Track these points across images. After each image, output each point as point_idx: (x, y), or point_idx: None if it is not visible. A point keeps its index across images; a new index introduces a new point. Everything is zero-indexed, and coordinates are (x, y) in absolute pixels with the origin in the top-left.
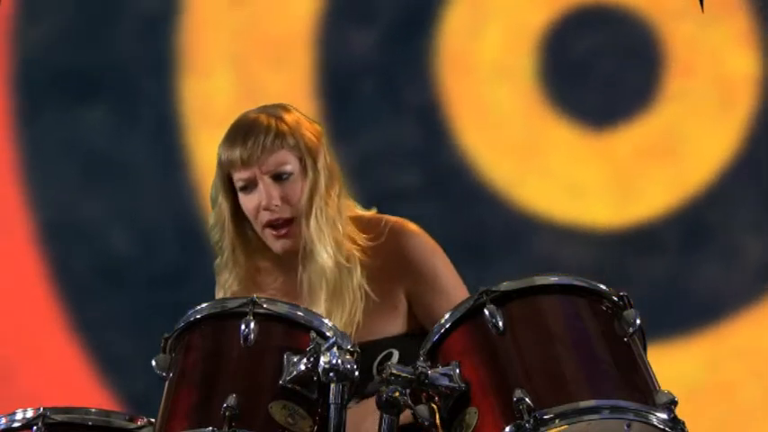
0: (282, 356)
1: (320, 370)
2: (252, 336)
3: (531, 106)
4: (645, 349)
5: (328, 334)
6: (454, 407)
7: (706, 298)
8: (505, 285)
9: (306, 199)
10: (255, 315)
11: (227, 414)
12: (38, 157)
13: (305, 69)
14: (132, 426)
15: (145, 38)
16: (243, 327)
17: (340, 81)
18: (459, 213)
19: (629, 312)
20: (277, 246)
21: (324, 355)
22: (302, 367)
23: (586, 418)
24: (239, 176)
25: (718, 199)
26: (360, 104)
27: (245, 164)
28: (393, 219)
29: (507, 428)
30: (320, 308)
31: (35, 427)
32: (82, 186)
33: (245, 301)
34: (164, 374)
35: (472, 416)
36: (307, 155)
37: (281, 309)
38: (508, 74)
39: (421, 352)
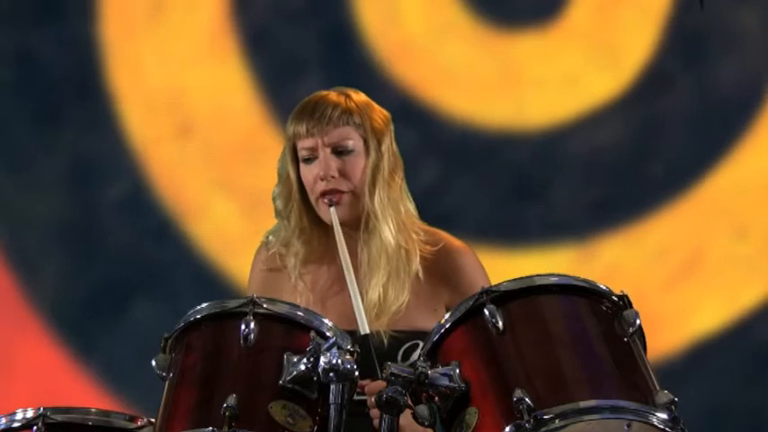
0: (282, 356)
1: (320, 370)
2: (252, 336)
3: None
4: (645, 349)
5: (328, 334)
6: (454, 407)
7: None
8: (505, 285)
9: (369, 176)
10: (255, 315)
11: (227, 414)
12: None
13: None
14: (132, 426)
15: None
16: (243, 327)
17: None
18: None
19: (629, 312)
20: (326, 215)
21: (324, 355)
22: (302, 367)
23: (586, 418)
24: (303, 146)
25: None
26: None
27: (309, 134)
28: (446, 234)
29: (507, 428)
30: (378, 285)
31: (35, 427)
32: None
33: (244, 300)
34: (164, 374)
35: (472, 416)
36: (371, 136)
37: (281, 309)
38: None
39: (421, 352)
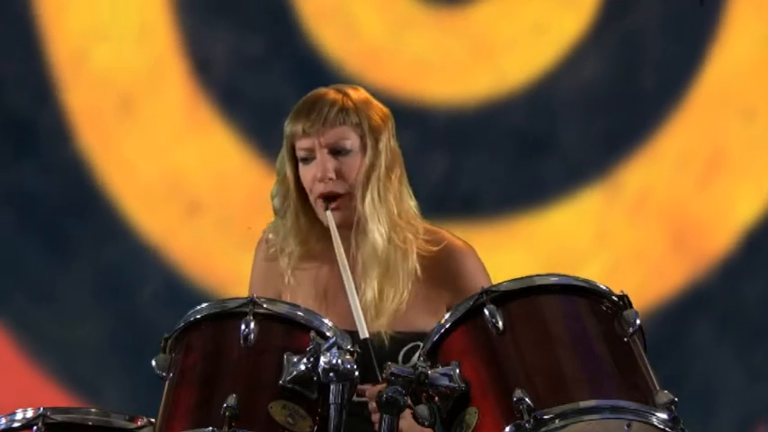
0: (282, 356)
1: (320, 370)
2: (252, 336)
3: None
4: (645, 349)
5: (328, 334)
6: (454, 407)
7: None
8: (505, 285)
9: (363, 176)
10: (255, 315)
11: (227, 414)
12: None
13: None
14: (132, 426)
15: None
16: (243, 327)
17: None
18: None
19: (629, 312)
20: (321, 215)
21: (324, 355)
22: (302, 367)
23: (586, 418)
24: (300, 146)
25: None
26: None
27: (306, 134)
28: (449, 233)
29: (507, 428)
30: (373, 285)
31: (35, 427)
32: None
33: (244, 300)
34: (163, 374)
35: (472, 416)
36: (369, 134)
37: (281, 309)
38: None
39: (421, 352)
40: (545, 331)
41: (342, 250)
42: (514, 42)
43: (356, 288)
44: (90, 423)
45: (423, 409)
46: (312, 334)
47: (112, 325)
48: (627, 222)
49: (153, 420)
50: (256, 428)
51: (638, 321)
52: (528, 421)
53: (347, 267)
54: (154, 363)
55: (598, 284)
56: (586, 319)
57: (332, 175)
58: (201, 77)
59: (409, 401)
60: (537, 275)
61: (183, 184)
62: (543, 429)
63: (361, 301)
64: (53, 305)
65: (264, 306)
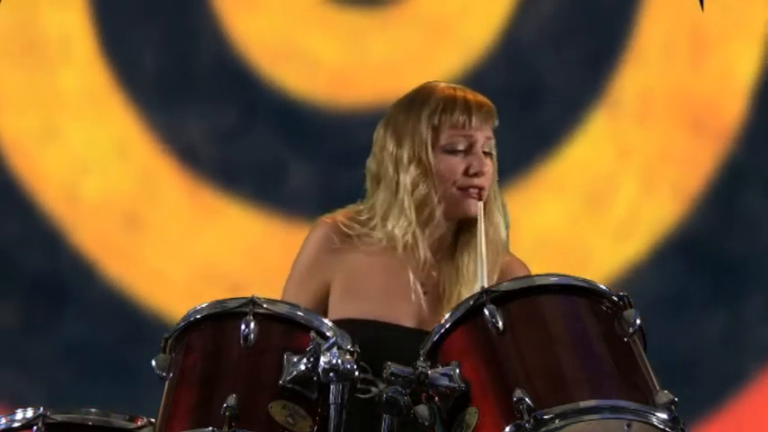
0: (282, 356)
1: (320, 370)
2: (252, 336)
3: None
4: (645, 349)
5: (328, 334)
6: (454, 407)
7: None
8: (505, 285)
9: (494, 179)
10: (255, 315)
11: (227, 414)
12: None
13: None
14: (132, 426)
15: None
16: (243, 327)
17: None
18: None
19: (629, 312)
20: (473, 207)
21: (324, 355)
22: (302, 367)
23: (586, 418)
24: (460, 135)
25: None
26: None
27: (475, 128)
28: None
29: (507, 428)
30: (485, 279)
31: (35, 427)
32: None
33: (245, 300)
34: (163, 374)
35: (472, 416)
36: (494, 141)
37: (281, 309)
38: None
39: (421, 352)
40: (545, 331)
41: (484, 238)
42: (469, 15)
43: (473, 283)
44: (90, 423)
45: (423, 409)
46: (312, 334)
47: None
48: (640, 130)
49: (153, 420)
50: (256, 428)
51: (638, 321)
52: (528, 421)
53: (484, 255)
54: (154, 363)
55: (598, 284)
56: (586, 319)
57: (487, 170)
58: (192, 165)
59: (409, 401)
60: (537, 275)
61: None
62: (543, 429)
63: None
64: None
65: (264, 306)
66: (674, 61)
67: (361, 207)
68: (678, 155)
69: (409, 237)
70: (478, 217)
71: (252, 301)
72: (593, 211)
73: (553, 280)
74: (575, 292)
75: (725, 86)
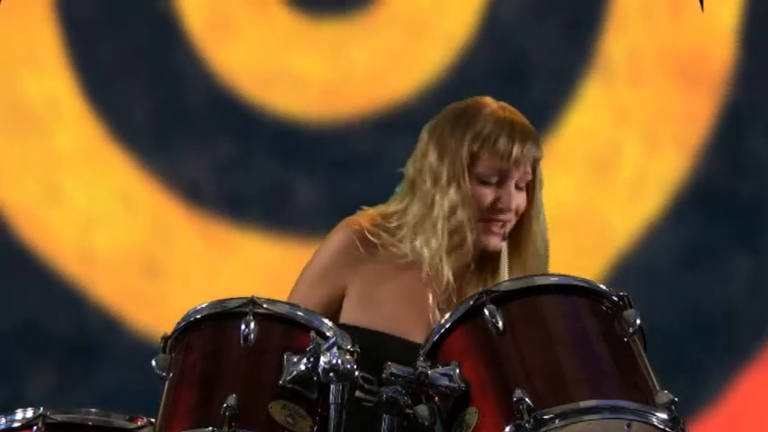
0: (282, 356)
1: (320, 370)
2: (252, 336)
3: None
4: (645, 349)
5: (328, 334)
6: (454, 407)
7: None
8: (505, 285)
9: (534, 208)
10: (255, 315)
11: (226, 414)
12: None
13: None
14: (132, 426)
15: None
16: (243, 327)
17: None
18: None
19: (629, 312)
20: (493, 242)
21: (324, 355)
22: (302, 367)
23: (586, 418)
24: (497, 167)
25: None
26: None
27: (514, 161)
28: None
29: (507, 428)
30: None
31: (35, 427)
32: None
33: (244, 300)
34: (163, 374)
35: (472, 416)
36: (538, 178)
37: (281, 309)
38: None
39: (421, 352)
40: (545, 331)
41: (507, 271)
42: (445, 6)
43: None
44: (90, 423)
45: (423, 409)
46: (312, 334)
47: None
48: (634, 91)
49: (153, 420)
50: (256, 428)
51: (638, 321)
52: (528, 421)
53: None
54: (154, 363)
55: (598, 284)
56: (586, 319)
57: (516, 206)
58: (198, 202)
59: (409, 401)
60: (537, 275)
61: None
62: (543, 429)
63: None
64: None
65: (264, 306)
66: (656, 17)
67: (392, 209)
68: (675, 109)
69: (437, 260)
70: (503, 254)
71: (252, 301)
72: (601, 178)
73: (553, 280)
74: (575, 292)
75: (709, 34)
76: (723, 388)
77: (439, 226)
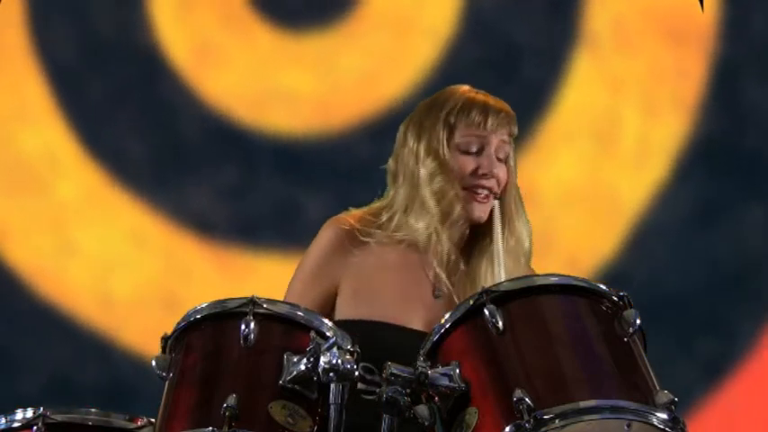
0: (282, 356)
1: (320, 370)
2: (252, 336)
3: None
4: (645, 349)
5: (328, 334)
6: (454, 407)
7: None
8: (506, 285)
9: (512, 184)
10: (255, 315)
11: (227, 414)
12: None
13: None
14: (132, 426)
15: None
16: (243, 327)
17: None
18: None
19: (629, 312)
20: (478, 211)
21: (324, 355)
22: (302, 367)
23: (586, 418)
24: (474, 134)
25: None
26: None
27: (490, 130)
28: None
29: (507, 428)
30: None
31: (35, 427)
32: None
33: (244, 300)
34: (163, 374)
35: (472, 416)
36: (513, 151)
37: (281, 309)
38: None
39: (421, 352)
40: (545, 331)
41: (501, 241)
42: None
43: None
44: (90, 423)
45: (423, 409)
46: (312, 334)
47: None
48: (625, 58)
49: (153, 420)
50: (256, 428)
51: (638, 321)
52: (528, 421)
53: (501, 256)
54: (154, 363)
55: (598, 284)
56: (586, 319)
57: (498, 172)
58: (209, 233)
59: (409, 401)
60: (537, 275)
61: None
62: (543, 429)
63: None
64: None
65: (264, 306)
66: None
67: (378, 205)
68: (668, 70)
69: (432, 230)
70: (494, 218)
71: (252, 301)
72: (604, 150)
73: (553, 280)
74: (575, 292)
75: None
76: (754, 340)
77: (426, 195)
